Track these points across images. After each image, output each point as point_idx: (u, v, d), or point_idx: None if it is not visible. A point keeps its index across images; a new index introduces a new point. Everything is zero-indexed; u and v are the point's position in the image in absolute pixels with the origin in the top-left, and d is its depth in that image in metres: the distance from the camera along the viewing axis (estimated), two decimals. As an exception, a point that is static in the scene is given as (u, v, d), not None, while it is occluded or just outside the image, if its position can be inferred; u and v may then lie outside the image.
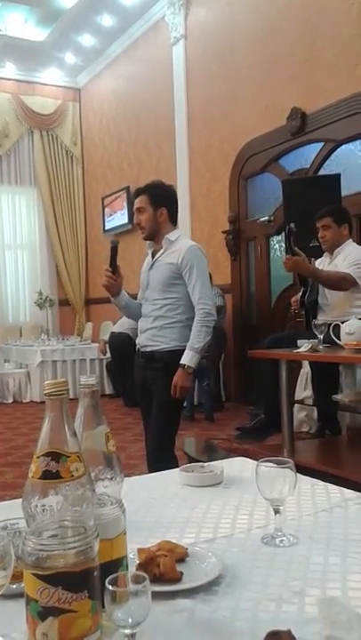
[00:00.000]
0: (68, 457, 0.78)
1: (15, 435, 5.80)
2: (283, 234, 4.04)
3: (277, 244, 6.49)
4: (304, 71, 5.82)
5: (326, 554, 1.08)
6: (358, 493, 1.40)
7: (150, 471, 2.76)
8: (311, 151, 5.93)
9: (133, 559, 1.01)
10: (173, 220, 2.93)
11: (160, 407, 2.82)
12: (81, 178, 10.55)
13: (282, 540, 1.14)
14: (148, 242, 2.95)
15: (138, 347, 2.92)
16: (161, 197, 2.88)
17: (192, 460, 3.41)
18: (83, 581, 0.75)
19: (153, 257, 2.89)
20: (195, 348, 2.74)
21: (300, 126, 5.85)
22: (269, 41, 6.26)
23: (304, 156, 6.04)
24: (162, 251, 2.86)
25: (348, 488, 1.46)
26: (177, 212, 2.97)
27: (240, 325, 6.96)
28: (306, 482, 1.49)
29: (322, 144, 5.79)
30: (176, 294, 2.79)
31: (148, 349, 2.83)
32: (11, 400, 8.04)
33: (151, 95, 8.44)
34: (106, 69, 9.69)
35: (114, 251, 2.87)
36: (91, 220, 10.39)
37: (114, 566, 0.87)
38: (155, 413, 2.84)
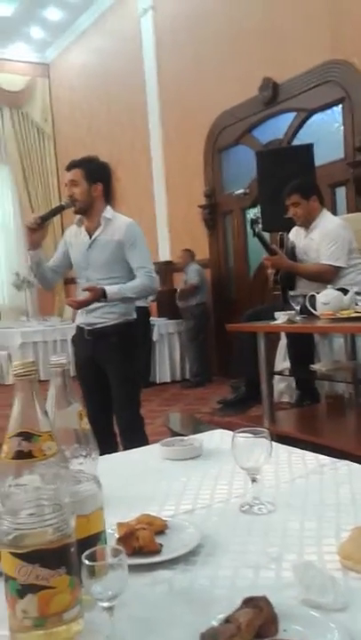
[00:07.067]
0: (40, 436, 0.78)
1: (-2, 417, 5.79)
2: (249, 225, 4.03)
3: (253, 216, 6.48)
4: (274, 40, 5.76)
5: (303, 519, 1.11)
6: (333, 459, 1.42)
7: (125, 445, 2.78)
8: (284, 121, 5.91)
9: (113, 534, 1.02)
10: (107, 198, 2.92)
11: (121, 383, 2.86)
12: (53, 155, 10.38)
13: (260, 508, 1.16)
14: (77, 217, 2.93)
15: (82, 326, 2.91)
16: (96, 173, 2.88)
17: (175, 434, 3.43)
18: (60, 558, 0.76)
19: (90, 236, 2.87)
20: (123, 290, 2.76)
21: (272, 96, 5.82)
22: (239, 9, 6.17)
23: (277, 127, 6.01)
24: (100, 230, 2.84)
25: (327, 454, 1.48)
26: (110, 189, 3.00)
27: (220, 299, 6.98)
28: (283, 450, 1.51)
29: (294, 114, 5.77)
30: (119, 273, 2.81)
31: (98, 327, 2.84)
32: (-8, 383, 8.03)
33: (122, 68, 8.31)
34: (74, 43, 9.49)
35: (59, 209, 2.96)
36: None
37: (92, 541, 0.87)
38: (117, 391, 2.87)
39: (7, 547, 0.76)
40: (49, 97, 10.35)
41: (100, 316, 2.84)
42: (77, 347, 2.99)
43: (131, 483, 1.39)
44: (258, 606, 0.76)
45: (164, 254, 7.74)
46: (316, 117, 5.59)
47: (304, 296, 3.28)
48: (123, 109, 8.40)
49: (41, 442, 0.78)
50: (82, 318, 2.92)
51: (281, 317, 3.23)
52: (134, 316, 2.93)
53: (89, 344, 2.88)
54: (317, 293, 3.22)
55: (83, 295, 2.82)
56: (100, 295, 2.74)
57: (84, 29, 9.09)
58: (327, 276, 3.62)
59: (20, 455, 0.77)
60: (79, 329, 2.95)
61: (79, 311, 2.95)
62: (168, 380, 7.11)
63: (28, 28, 9.15)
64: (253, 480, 1.17)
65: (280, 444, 1.53)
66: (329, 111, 5.44)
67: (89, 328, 2.88)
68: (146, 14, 7.64)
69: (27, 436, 0.78)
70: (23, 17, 8.78)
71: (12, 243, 10.17)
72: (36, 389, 0.80)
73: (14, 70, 10.01)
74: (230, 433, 1.67)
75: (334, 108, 5.38)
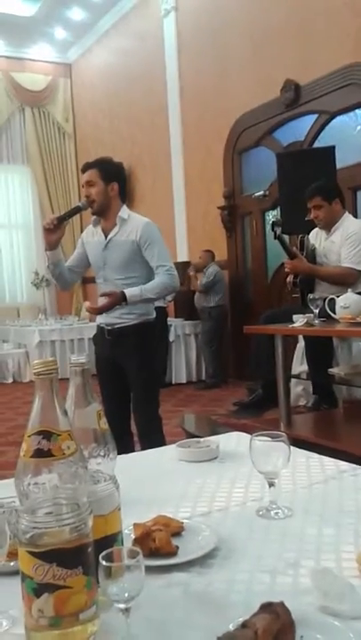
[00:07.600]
0: (60, 435, 0.78)
1: (16, 414, 5.82)
2: (270, 227, 4.01)
3: (273, 218, 6.45)
4: (297, 42, 5.74)
5: (320, 525, 1.09)
6: (353, 465, 1.41)
7: (143, 445, 2.78)
8: (306, 123, 5.87)
9: (129, 534, 1.02)
10: (123, 197, 2.93)
11: (141, 383, 2.86)
12: (74, 154, 10.44)
13: (277, 513, 1.15)
14: (93, 218, 2.93)
15: (102, 325, 2.91)
16: (112, 172, 2.89)
17: (190, 435, 3.43)
18: (77, 557, 0.76)
19: (106, 236, 2.87)
20: (144, 292, 2.75)
21: (294, 98, 5.78)
22: (262, 11, 6.15)
23: (298, 129, 5.98)
24: (116, 230, 2.84)
25: (344, 460, 1.46)
26: (126, 188, 2.97)
27: (237, 301, 6.96)
28: (301, 455, 1.50)
29: (316, 116, 5.73)
30: (137, 272, 2.82)
31: (117, 327, 2.85)
32: (10, 380, 8.08)
33: (143, 69, 8.32)
34: (96, 44, 9.54)
35: (76, 210, 2.93)
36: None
37: (108, 542, 0.87)
38: (137, 391, 2.88)
39: (24, 545, 0.76)
40: (70, 97, 10.41)
41: (120, 317, 2.85)
42: (98, 346, 3.01)
43: (147, 483, 1.39)
44: (275, 612, 0.75)
45: (182, 255, 7.74)
46: (337, 120, 5.55)
47: (323, 299, 3.25)
48: (143, 110, 8.42)
49: (60, 441, 0.78)
50: (102, 318, 2.93)
51: (299, 320, 3.21)
52: (154, 315, 2.93)
53: (109, 344, 2.89)
54: (337, 297, 3.20)
55: (102, 300, 2.82)
56: (121, 299, 2.74)
57: (107, 30, 9.13)
58: (348, 278, 3.58)
59: (40, 454, 0.77)
60: (99, 328, 2.96)
61: None
62: (184, 380, 7.11)
63: (51, 28, 9.21)
64: (271, 484, 1.16)
65: (298, 449, 1.52)
66: (351, 114, 5.40)
67: (109, 328, 2.89)
68: (168, 15, 7.65)
69: (46, 434, 0.78)
70: (46, 17, 8.84)
71: (32, 242, 10.25)
72: (56, 388, 0.80)
73: (36, 70, 10.09)
74: (247, 435, 1.67)
75: (357, 111, 5.34)
